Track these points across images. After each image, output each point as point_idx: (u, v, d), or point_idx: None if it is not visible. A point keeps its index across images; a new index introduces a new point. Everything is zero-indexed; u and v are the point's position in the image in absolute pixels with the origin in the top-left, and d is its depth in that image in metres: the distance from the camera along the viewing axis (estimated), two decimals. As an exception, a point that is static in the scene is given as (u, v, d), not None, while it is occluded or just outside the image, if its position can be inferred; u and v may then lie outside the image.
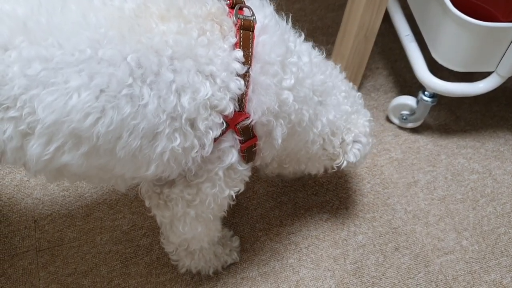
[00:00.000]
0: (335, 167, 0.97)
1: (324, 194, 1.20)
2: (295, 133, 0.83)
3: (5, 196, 1.13)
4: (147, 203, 0.85)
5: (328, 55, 1.30)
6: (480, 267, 1.11)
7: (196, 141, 0.69)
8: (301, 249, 1.10)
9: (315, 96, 0.83)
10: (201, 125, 0.68)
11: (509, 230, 1.17)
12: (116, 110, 0.61)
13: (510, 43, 1.11)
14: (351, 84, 0.99)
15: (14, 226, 1.09)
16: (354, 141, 0.94)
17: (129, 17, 0.64)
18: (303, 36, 0.85)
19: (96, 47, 0.60)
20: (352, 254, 1.11)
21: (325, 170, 1.00)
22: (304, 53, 0.82)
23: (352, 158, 0.95)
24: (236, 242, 1.07)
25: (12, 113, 0.59)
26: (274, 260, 1.08)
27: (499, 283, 1.09)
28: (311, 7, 1.63)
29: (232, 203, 0.86)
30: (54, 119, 0.59)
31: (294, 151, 0.91)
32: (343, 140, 0.94)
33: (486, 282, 1.09)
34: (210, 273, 1.02)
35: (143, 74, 0.63)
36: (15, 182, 1.16)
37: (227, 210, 0.89)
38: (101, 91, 0.60)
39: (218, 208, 0.85)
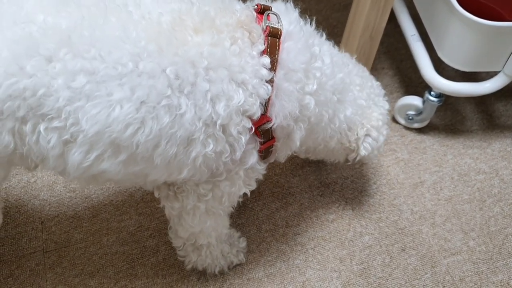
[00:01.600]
0: (350, 160, 1.00)
1: (330, 195, 1.20)
2: (313, 132, 0.86)
3: (12, 198, 1.14)
4: (156, 194, 0.87)
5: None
6: (487, 268, 1.10)
7: (227, 146, 0.72)
8: (307, 250, 1.10)
9: (335, 96, 0.85)
10: (233, 130, 0.70)
11: (517, 231, 1.17)
12: (156, 120, 0.64)
13: (517, 43, 1.11)
14: (367, 73, 1.00)
15: (21, 227, 1.09)
16: (366, 135, 0.95)
17: (166, 30, 0.66)
18: (324, 36, 0.86)
19: (137, 60, 0.63)
20: (358, 255, 1.10)
21: (346, 160, 1.03)
22: (326, 54, 0.83)
23: (363, 152, 0.96)
24: (243, 243, 1.07)
25: (56, 123, 0.62)
26: (280, 261, 1.08)
27: (507, 284, 1.08)
28: (317, 7, 1.63)
29: (241, 200, 0.88)
30: (97, 130, 0.62)
31: (313, 146, 0.94)
32: (357, 135, 0.95)
33: (494, 283, 1.08)
34: (216, 272, 1.02)
35: (181, 85, 0.65)
36: (22, 183, 1.16)
37: (233, 210, 0.91)
38: (142, 102, 0.63)
39: (229, 204, 0.87)
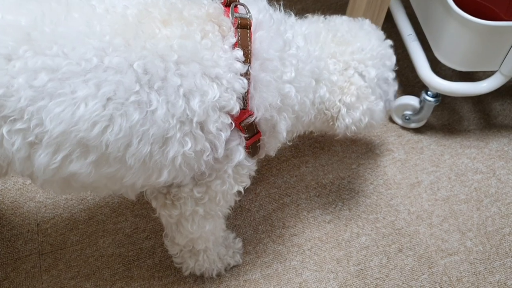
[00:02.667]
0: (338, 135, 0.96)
1: (327, 195, 1.20)
2: (299, 119, 0.84)
3: (8, 200, 1.14)
4: (153, 204, 0.85)
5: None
6: (485, 268, 1.10)
7: (207, 144, 0.70)
8: (304, 251, 1.10)
9: (313, 80, 0.83)
10: (212, 127, 0.68)
11: (514, 231, 1.17)
12: (125, 117, 0.62)
13: (514, 42, 1.10)
14: (354, 32, 0.93)
15: (17, 229, 1.09)
16: (338, 112, 0.91)
17: (132, 23, 0.64)
18: (293, 16, 0.85)
19: (102, 55, 0.61)
20: (355, 255, 1.10)
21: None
22: (299, 36, 0.81)
23: (337, 131, 0.94)
24: (238, 244, 1.06)
25: (19, 125, 0.59)
26: (277, 262, 1.07)
27: (504, 284, 1.08)
28: (313, 7, 1.62)
29: (237, 199, 0.87)
30: (62, 130, 0.60)
31: (303, 130, 0.93)
32: (331, 113, 0.92)
33: (491, 283, 1.08)
34: (214, 275, 1.02)
35: (150, 80, 0.63)
36: (18, 185, 1.16)
37: (230, 211, 0.90)
38: (109, 99, 0.61)
39: (226, 204, 0.86)
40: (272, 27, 0.74)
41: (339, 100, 0.90)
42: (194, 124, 0.67)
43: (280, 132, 0.79)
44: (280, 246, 1.10)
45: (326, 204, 1.18)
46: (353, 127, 0.93)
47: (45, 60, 0.58)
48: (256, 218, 1.14)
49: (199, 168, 0.73)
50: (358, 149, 1.29)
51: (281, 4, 0.83)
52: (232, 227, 1.12)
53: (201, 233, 0.88)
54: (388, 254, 1.11)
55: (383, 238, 1.13)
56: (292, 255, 1.09)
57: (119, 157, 0.64)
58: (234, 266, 1.05)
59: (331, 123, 0.94)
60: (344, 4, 1.63)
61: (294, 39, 0.79)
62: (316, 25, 0.93)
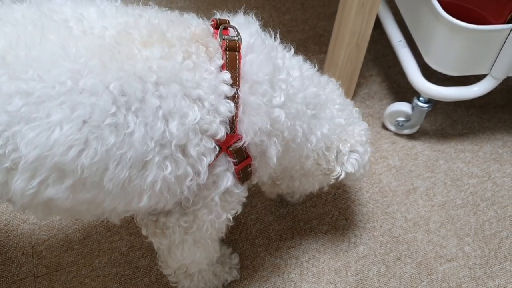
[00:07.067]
0: (333, 180, 0.93)
1: (323, 205, 1.19)
2: (289, 149, 0.81)
3: (1, 223, 1.12)
4: (143, 232, 0.83)
5: (321, 64, 1.30)
6: (484, 273, 1.10)
7: (189, 169, 0.68)
8: (302, 263, 1.09)
9: (309, 110, 0.81)
10: (193, 151, 0.66)
11: (512, 234, 1.16)
12: (100, 140, 0.60)
13: (503, 45, 1.11)
14: (348, 100, 0.96)
15: (11, 253, 1.08)
16: (351, 151, 0.91)
17: (109, 45, 0.62)
18: (292, 50, 0.83)
19: (77, 77, 0.59)
20: (353, 265, 1.09)
21: (320, 187, 0.98)
22: (294, 67, 0.80)
23: (350, 169, 0.91)
24: (235, 260, 1.05)
25: None
26: (275, 276, 1.07)
27: (504, 289, 1.07)
28: (303, 17, 1.63)
29: (230, 224, 0.84)
30: (37, 155, 0.58)
31: (288, 168, 0.90)
32: (339, 152, 0.91)
33: (491, 287, 1.07)
34: (211, 292, 1.01)
35: (127, 101, 0.61)
36: (11, 208, 1.15)
37: (223, 236, 0.88)
38: (84, 122, 0.59)
39: (216, 232, 0.84)
40: (263, 51, 0.72)
41: (351, 138, 0.90)
42: (173, 147, 0.65)
43: (270, 157, 0.76)
44: (278, 259, 1.09)
45: (322, 215, 1.18)
46: (362, 171, 0.92)
47: (19, 84, 0.57)
48: (252, 232, 1.14)
49: (182, 194, 0.71)
50: (353, 157, 1.29)
51: (278, 32, 0.81)
52: (228, 242, 1.11)
53: (192, 259, 0.87)
54: (386, 263, 1.10)
55: (381, 246, 1.13)
56: (290, 267, 1.08)
57: (97, 181, 0.62)
58: (231, 282, 1.04)
59: (331, 164, 0.91)
60: (333, 14, 1.63)
61: (287, 67, 0.77)
62: (318, 74, 0.91)
